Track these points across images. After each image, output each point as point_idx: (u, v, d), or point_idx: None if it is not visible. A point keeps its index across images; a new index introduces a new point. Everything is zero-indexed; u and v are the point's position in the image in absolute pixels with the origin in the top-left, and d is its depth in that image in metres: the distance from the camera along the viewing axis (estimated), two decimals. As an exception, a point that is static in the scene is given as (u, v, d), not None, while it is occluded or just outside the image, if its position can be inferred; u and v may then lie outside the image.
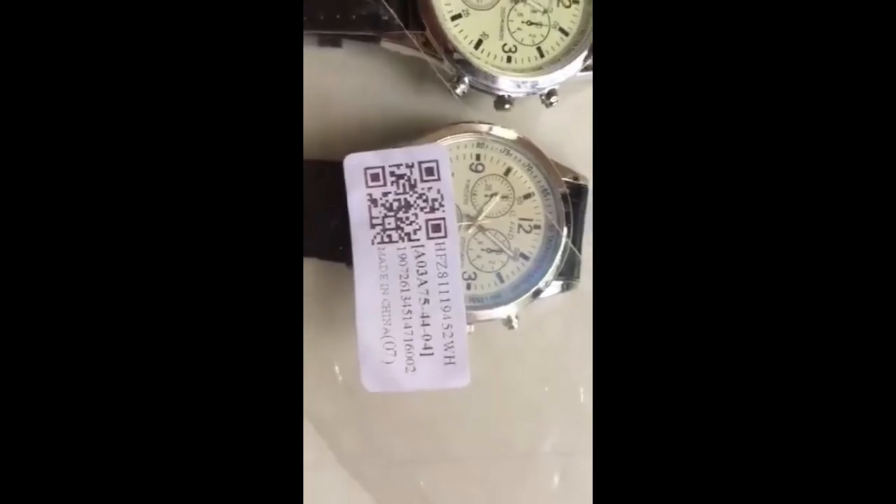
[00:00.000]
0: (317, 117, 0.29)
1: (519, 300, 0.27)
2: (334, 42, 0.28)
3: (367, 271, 0.25)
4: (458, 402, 0.30)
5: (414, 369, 0.25)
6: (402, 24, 0.27)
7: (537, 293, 0.27)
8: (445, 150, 0.25)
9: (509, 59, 0.27)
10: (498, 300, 0.27)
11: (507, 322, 0.27)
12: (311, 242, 0.27)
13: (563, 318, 0.30)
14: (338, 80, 0.29)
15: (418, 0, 0.26)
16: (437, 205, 0.25)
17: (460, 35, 0.27)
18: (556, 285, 0.28)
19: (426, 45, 0.27)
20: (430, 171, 0.25)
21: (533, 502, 0.31)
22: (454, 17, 0.27)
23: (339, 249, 0.26)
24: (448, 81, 0.27)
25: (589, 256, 0.29)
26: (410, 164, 0.25)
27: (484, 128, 0.27)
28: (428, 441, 0.31)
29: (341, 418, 0.31)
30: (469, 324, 0.26)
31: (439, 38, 0.26)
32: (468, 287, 0.27)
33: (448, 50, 0.26)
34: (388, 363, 0.25)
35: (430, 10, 0.26)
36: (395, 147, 0.26)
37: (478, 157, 0.27)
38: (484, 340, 0.29)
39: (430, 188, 0.25)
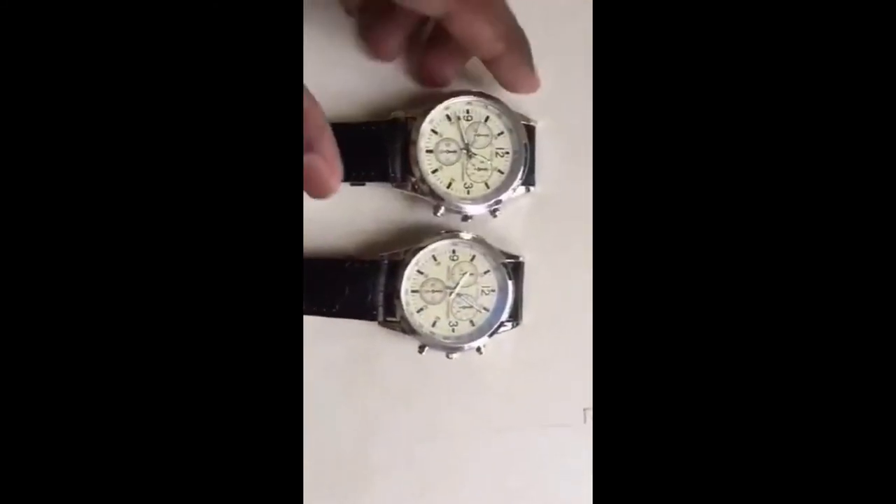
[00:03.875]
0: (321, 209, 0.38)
1: (483, 336, 0.39)
2: (358, 182, 0.40)
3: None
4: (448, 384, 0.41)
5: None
6: (402, 178, 0.40)
7: (494, 332, 0.40)
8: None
9: (468, 192, 0.40)
10: (472, 338, 0.39)
11: (478, 350, 0.40)
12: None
13: (513, 345, 0.41)
14: (353, 200, 0.41)
15: (410, 162, 0.39)
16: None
17: (437, 182, 0.39)
18: (508, 325, 0.40)
19: (419, 189, 0.39)
20: None
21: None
22: (433, 171, 0.40)
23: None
24: (432, 207, 0.40)
25: (527, 304, 0.41)
26: None
27: (465, 235, 0.39)
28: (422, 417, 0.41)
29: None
30: (454, 353, 0.40)
31: (425, 184, 0.39)
32: (452, 331, 0.40)
33: (430, 191, 0.39)
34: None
35: (419, 168, 0.39)
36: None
37: (454, 251, 0.40)
38: (465, 362, 0.40)
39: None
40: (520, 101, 0.40)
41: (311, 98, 0.31)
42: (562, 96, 0.41)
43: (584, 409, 0.41)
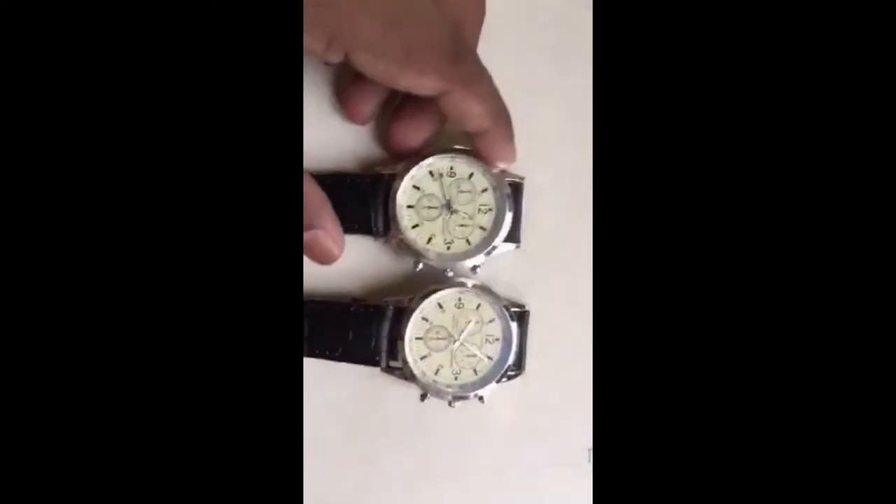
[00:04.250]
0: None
1: (487, 385, 0.39)
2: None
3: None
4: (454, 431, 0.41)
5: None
6: (383, 232, 0.39)
7: (499, 380, 0.40)
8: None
9: (448, 248, 0.40)
10: (475, 386, 0.39)
11: (481, 399, 0.40)
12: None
13: (517, 394, 0.41)
14: (357, 244, 0.40)
15: (390, 217, 0.39)
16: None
17: (418, 237, 0.39)
18: (511, 374, 0.40)
19: (399, 243, 0.39)
20: None
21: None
22: (413, 226, 0.39)
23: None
24: (412, 263, 0.40)
25: (531, 352, 0.41)
26: None
27: (471, 283, 0.39)
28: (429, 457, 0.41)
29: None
30: (457, 401, 0.40)
31: (405, 240, 0.39)
32: (455, 378, 0.40)
33: (411, 247, 0.39)
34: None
35: (398, 223, 0.39)
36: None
37: (459, 299, 0.40)
38: (468, 409, 0.41)
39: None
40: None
41: (309, 179, 0.35)
42: (555, 151, 0.42)
43: (588, 449, 0.41)
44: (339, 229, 0.36)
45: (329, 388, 0.41)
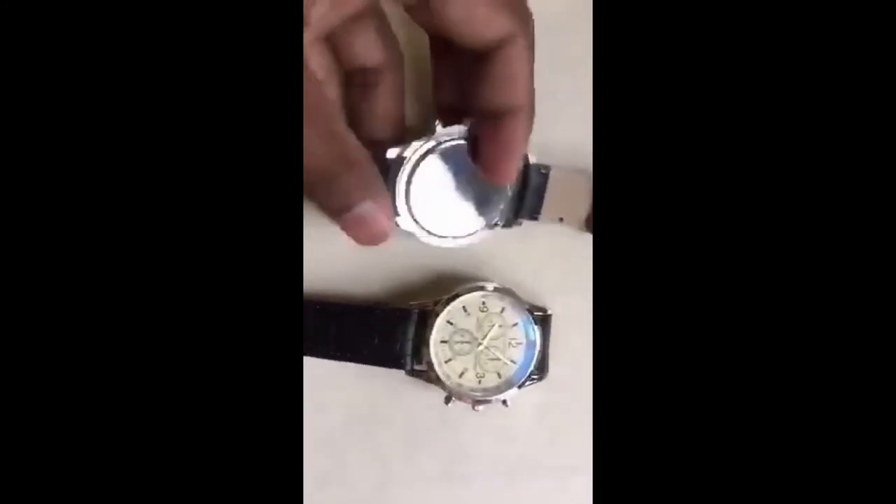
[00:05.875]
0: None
1: (510, 389, 0.40)
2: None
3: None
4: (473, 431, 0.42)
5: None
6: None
7: (522, 385, 0.40)
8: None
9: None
10: (499, 390, 0.40)
11: (504, 403, 0.40)
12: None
13: (538, 398, 0.42)
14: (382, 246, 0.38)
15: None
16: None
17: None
18: (534, 378, 0.40)
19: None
20: None
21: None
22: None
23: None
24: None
25: (555, 357, 0.41)
26: None
27: (493, 287, 0.40)
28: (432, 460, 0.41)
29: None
30: (480, 405, 0.40)
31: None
32: (479, 382, 0.40)
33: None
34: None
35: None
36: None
37: (483, 302, 0.40)
38: (490, 415, 0.41)
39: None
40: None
41: (344, 131, 0.29)
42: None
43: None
44: (390, 201, 0.30)
45: (346, 387, 0.42)
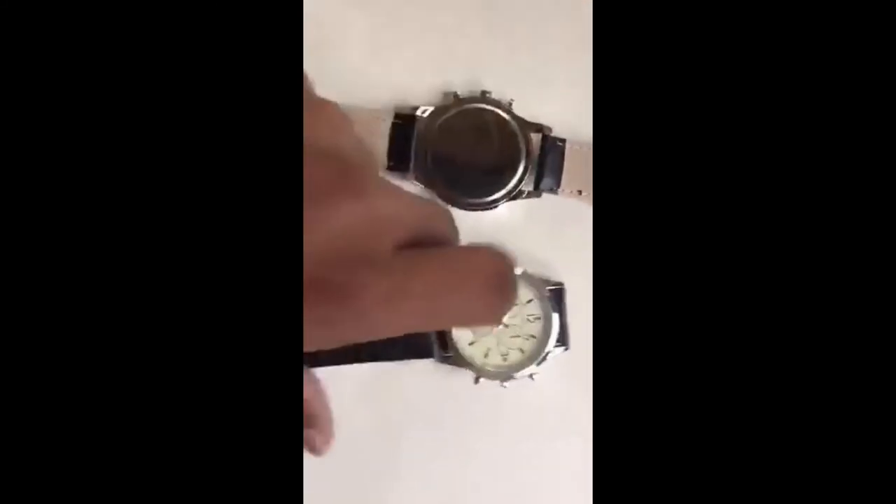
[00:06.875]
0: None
1: (534, 363, 0.42)
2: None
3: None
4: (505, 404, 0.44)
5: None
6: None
7: (544, 358, 0.42)
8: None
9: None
10: (523, 365, 0.42)
11: (531, 377, 0.42)
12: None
13: (561, 370, 0.44)
14: None
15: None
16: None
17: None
18: (557, 350, 0.43)
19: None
20: None
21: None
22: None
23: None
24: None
25: (574, 329, 0.43)
26: None
27: None
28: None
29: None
30: (508, 381, 0.42)
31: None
32: (504, 360, 0.43)
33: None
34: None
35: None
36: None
37: None
38: (518, 389, 0.43)
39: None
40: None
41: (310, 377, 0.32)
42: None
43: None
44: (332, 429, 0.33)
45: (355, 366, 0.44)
